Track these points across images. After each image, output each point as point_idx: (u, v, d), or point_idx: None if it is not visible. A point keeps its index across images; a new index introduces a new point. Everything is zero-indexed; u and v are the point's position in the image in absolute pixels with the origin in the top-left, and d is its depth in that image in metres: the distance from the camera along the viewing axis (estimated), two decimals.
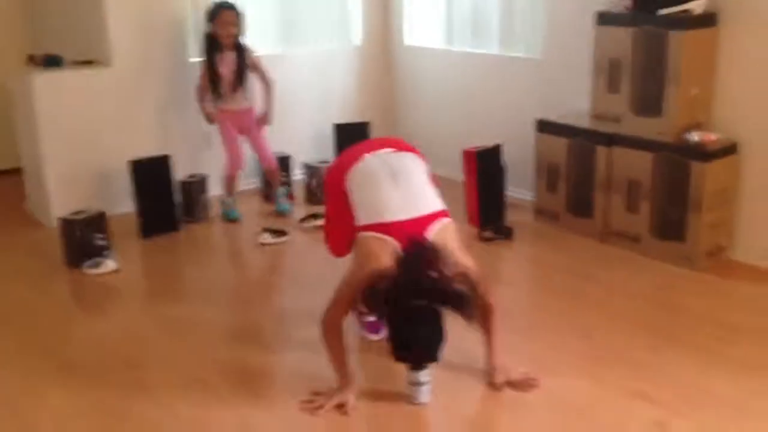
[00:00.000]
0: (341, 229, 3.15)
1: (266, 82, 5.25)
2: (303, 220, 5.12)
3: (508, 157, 5.04)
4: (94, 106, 5.17)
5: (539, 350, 3.42)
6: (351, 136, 5.67)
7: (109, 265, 4.40)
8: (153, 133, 5.37)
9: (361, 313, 3.49)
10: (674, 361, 3.27)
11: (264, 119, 5.29)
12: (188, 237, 5.02)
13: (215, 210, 5.32)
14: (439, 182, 3.19)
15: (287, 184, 5.55)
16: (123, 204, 5.11)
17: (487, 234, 4.75)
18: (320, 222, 4.91)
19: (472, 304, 2.74)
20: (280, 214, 5.28)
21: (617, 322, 3.64)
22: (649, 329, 3.59)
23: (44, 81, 4.99)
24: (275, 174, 5.37)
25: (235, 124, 5.18)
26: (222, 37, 4.98)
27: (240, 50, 5.07)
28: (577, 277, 4.23)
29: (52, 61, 5.16)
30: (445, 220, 2.92)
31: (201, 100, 5.18)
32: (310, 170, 5.57)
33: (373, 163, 3.06)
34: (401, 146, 3.24)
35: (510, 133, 5.29)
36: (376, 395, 3.05)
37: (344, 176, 3.07)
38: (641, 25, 4.20)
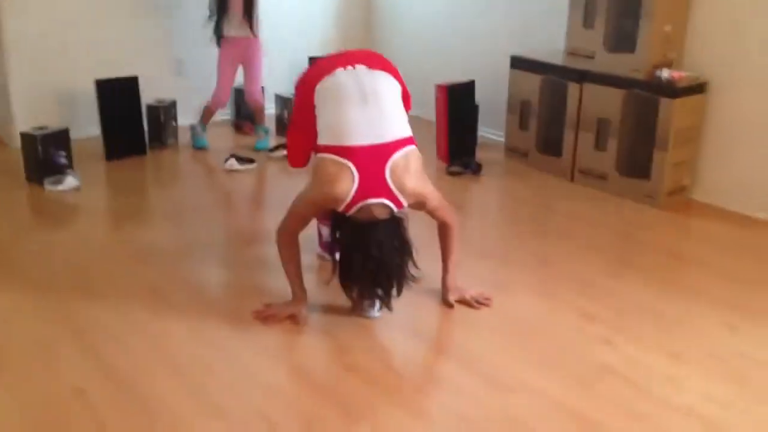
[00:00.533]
0: (301, 141, 3.10)
1: None
2: (272, 150, 5.07)
3: (482, 96, 5.01)
4: (63, 24, 5.06)
5: (494, 273, 3.44)
6: None
7: (71, 182, 4.35)
8: (123, 54, 5.26)
9: (321, 234, 3.48)
10: (625, 285, 3.32)
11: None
12: (154, 161, 4.96)
13: (186, 137, 5.25)
14: (409, 102, 3.12)
15: None
16: (89, 127, 5.04)
17: (455, 168, 4.73)
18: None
19: (405, 278, 2.78)
20: (258, 150, 5.16)
21: (574, 250, 3.67)
22: (604, 256, 3.63)
23: None
24: (260, 112, 5.26)
25: (236, 54, 5.04)
26: None
27: None
28: (541, 209, 4.25)
29: None
30: (409, 148, 2.83)
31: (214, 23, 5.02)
32: (283, 101, 5.50)
33: (344, 79, 2.92)
34: (378, 62, 3.07)
35: (485, 70, 5.25)
36: (330, 309, 3.05)
37: (313, 88, 2.97)
38: None
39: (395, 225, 2.79)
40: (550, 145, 4.71)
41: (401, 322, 2.97)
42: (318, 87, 2.95)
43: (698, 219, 4.11)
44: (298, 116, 3.13)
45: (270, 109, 5.69)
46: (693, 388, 2.57)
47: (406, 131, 2.88)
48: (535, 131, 4.78)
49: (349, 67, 2.94)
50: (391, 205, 2.76)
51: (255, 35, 5.02)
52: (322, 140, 2.85)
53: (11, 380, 2.55)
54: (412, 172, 2.81)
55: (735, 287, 3.31)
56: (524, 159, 4.87)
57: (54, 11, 5.01)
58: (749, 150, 4.07)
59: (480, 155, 4.92)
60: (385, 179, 2.74)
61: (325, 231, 3.36)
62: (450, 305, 3.08)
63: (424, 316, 3.07)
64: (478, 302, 3.09)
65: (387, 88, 2.94)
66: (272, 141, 5.27)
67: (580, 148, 4.52)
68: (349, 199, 2.72)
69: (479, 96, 5.04)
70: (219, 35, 4.98)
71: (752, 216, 4.08)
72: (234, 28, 4.96)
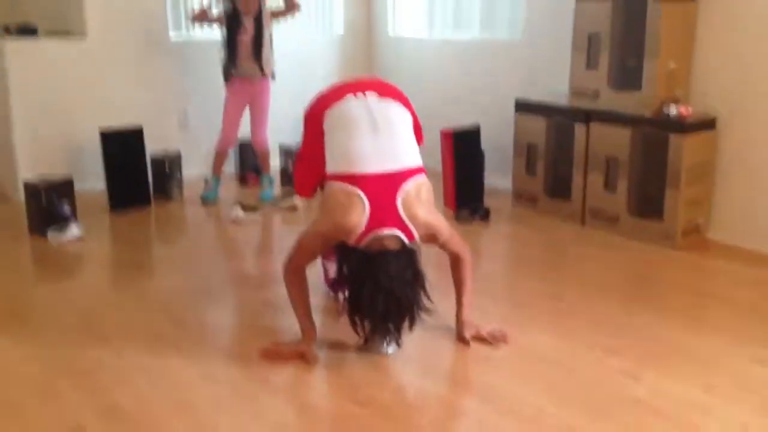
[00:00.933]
0: (311, 168, 3.02)
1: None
2: (277, 200, 5.02)
3: (487, 142, 4.98)
4: (68, 76, 5.08)
5: (507, 313, 3.33)
6: None
7: (73, 231, 4.28)
8: (127, 107, 5.26)
9: (327, 271, 3.39)
10: (646, 322, 3.21)
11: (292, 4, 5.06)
12: (158, 212, 4.90)
13: (191, 189, 5.20)
14: (421, 133, 3.09)
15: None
16: (93, 180, 5.01)
17: (463, 215, 4.66)
18: (295, 201, 4.87)
19: (418, 311, 2.68)
20: (263, 201, 5.07)
21: (589, 291, 3.55)
22: (622, 295, 3.53)
23: (17, 48, 4.91)
24: (265, 156, 5.19)
25: (243, 94, 4.99)
26: (243, 12, 4.82)
27: (259, 22, 4.86)
28: (552, 253, 4.17)
29: (26, 31, 5.08)
30: (420, 178, 2.77)
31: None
32: (288, 153, 5.48)
33: (354, 106, 2.86)
34: (389, 91, 3.03)
35: (490, 117, 5.24)
36: (339, 346, 2.94)
37: (323, 114, 2.91)
38: None
39: (407, 255, 2.69)
40: (559, 188, 4.66)
41: (414, 358, 2.86)
42: (327, 113, 2.90)
43: (716, 258, 4.01)
44: (308, 142, 3.06)
45: (275, 162, 5.66)
46: (727, 419, 2.45)
47: (417, 161, 2.82)
48: (542, 175, 4.74)
49: (360, 95, 2.89)
50: (403, 236, 2.68)
51: (265, 75, 4.97)
52: (330, 168, 2.79)
53: (11, 421, 2.44)
54: (423, 203, 2.74)
55: (761, 324, 3.18)
56: (533, 204, 4.81)
57: (58, 62, 5.04)
58: (764, 186, 4.01)
59: (487, 202, 4.86)
60: (396, 209, 2.66)
61: (331, 267, 3.27)
62: (466, 342, 2.95)
63: (438, 352, 2.96)
64: (494, 338, 2.97)
65: (398, 116, 2.89)
66: (277, 191, 5.22)
67: (590, 189, 4.46)
68: (360, 230, 2.64)
69: (484, 142, 5.01)
70: (227, 74, 4.95)
71: None
72: (242, 67, 4.93)
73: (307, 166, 3.08)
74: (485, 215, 4.65)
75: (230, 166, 5.69)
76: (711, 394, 2.60)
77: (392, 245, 2.67)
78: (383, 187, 2.67)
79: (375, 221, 2.64)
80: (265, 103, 5.05)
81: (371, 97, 2.90)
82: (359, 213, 2.63)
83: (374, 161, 2.71)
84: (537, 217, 4.71)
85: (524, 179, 4.86)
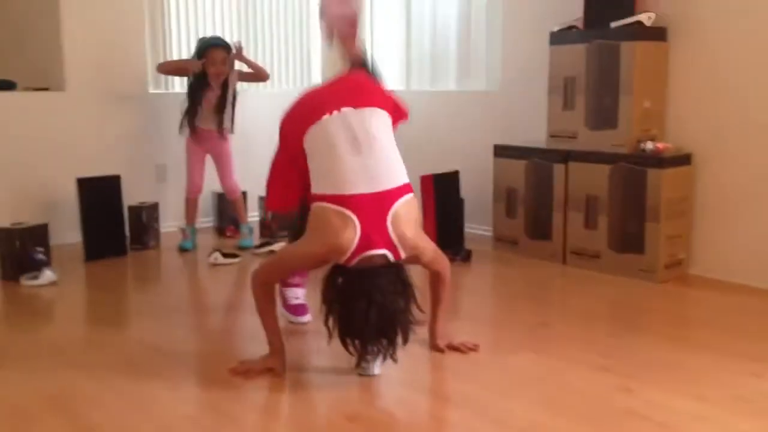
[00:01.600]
0: (286, 182, 3.01)
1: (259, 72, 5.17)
2: (257, 247, 4.97)
3: (466, 188, 5.01)
4: (45, 128, 5.05)
5: (498, 335, 3.32)
6: None
7: (48, 276, 4.17)
8: (105, 159, 5.22)
9: (285, 297, 3.42)
10: (633, 342, 3.18)
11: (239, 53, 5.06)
12: (135, 261, 4.81)
13: (168, 239, 5.13)
14: (401, 111, 3.07)
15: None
16: (68, 232, 4.92)
17: (445, 256, 4.62)
18: (273, 247, 4.82)
19: (410, 323, 2.66)
20: (243, 249, 5.02)
21: (574, 317, 3.54)
22: (607, 321, 3.53)
23: None
24: (238, 204, 5.19)
25: (204, 145, 5.04)
26: (211, 77, 4.91)
27: (224, 89, 4.97)
28: (536, 287, 4.14)
29: (4, 85, 5.08)
30: (408, 197, 2.76)
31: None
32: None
33: (333, 128, 2.80)
34: (363, 96, 2.94)
35: (470, 164, 5.27)
36: (318, 368, 2.88)
37: (302, 137, 2.87)
38: (593, 40, 4.29)
39: (396, 268, 2.67)
40: (539, 229, 4.67)
41: (396, 374, 2.80)
42: (306, 137, 2.86)
43: (698, 289, 4.00)
44: (283, 157, 3.03)
45: (254, 216, 5.62)
46: (726, 426, 2.40)
47: (404, 177, 2.80)
48: (523, 217, 4.75)
49: (335, 113, 2.83)
50: (391, 256, 2.66)
51: (224, 131, 5.01)
52: (318, 189, 2.75)
53: None
54: (411, 222, 2.73)
55: (750, 342, 3.17)
56: (514, 247, 4.80)
57: (36, 114, 5.02)
58: (742, 221, 4.04)
59: (468, 246, 4.85)
60: (386, 229, 2.65)
61: (290, 293, 3.40)
62: (441, 350, 3.02)
63: (418, 367, 2.93)
64: (466, 347, 3.02)
65: (378, 127, 2.84)
66: (256, 240, 5.17)
67: (570, 228, 4.47)
68: (351, 250, 2.61)
69: (464, 189, 5.04)
70: (191, 126, 4.99)
71: (753, 286, 3.98)
72: (204, 120, 4.99)
73: (281, 179, 3.05)
74: (467, 256, 4.63)
75: (209, 220, 5.67)
76: (706, 404, 2.55)
77: (380, 261, 2.64)
78: (373, 208, 2.65)
79: (365, 242, 2.62)
80: (226, 152, 5.10)
81: (347, 111, 2.84)
82: (351, 234, 2.61)
83: (362, 181, 2.68)
84: (518, 257, 4.69)
85: (504, 222, 4.87)
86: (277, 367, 2.82)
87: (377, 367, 2.78)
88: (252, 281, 2.84)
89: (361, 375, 2.77)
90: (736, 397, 2.61)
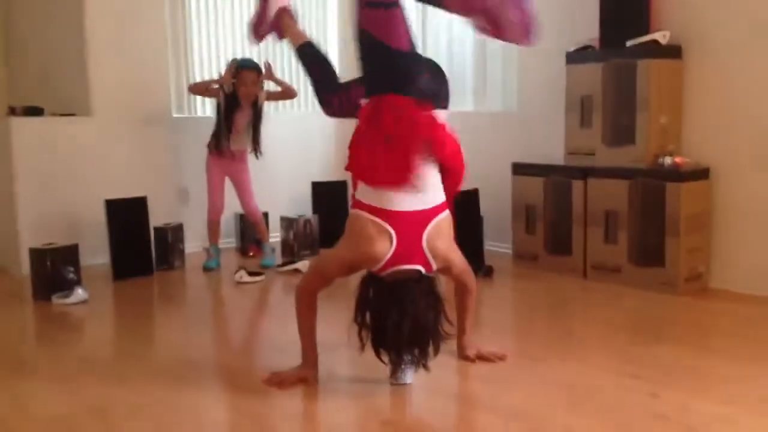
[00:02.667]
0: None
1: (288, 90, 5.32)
2: (280, 265, 5.05)
3: (485, 208, 5.08)
4: (71, 153, 5.17)
5: (524, 344, 3.39)
6: (329, 194, 5.77)
7: (79, 294, 4.26)
8: (130, 182, 5.32)
9: None
10: (657, 351, 3.24)
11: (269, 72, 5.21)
12: (162, 280, 4.89)
13: (193, 260, 5.22)
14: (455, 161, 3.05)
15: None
16: (96, 254, 5.02)
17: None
18: (297, 266, 4.91)
19: (441, 334, 2.72)
20: (265, 268, 5.10)
21: (598, 328, 3.60)
22: (630, 331, 3.59)
23: (22, 125, 5.01)
24: (259, 225, 5.30)
25: (224, 167, 5.16)
26: (242, 97, 5.05)
27: (256, 109, 5.12)
28: (558, 299, 4.22)
29: (32, 111, 5.20)
30: (443, 214, 2.82)
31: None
32: (289, 223, 5.55)
33: None
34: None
35: (489, 183, 5.34)
36: (358, 378, 2.94)
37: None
38: (610, 59, 4.39)
39: (428, 281, 2.75)
40: (559, 245, 4.73)
41: (428, 383, 2.85)
42: None
43: (718, 302, 4.05)
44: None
45: (275, 237, 5.71)
46: (751, 428, 2.45)
47: (442, 196, 2.85)
48: (542, 233, 4.82)
49: None
50: (423, 270, 2.74)
51: (248, 153, 5.17)
52: (363, 197, 2.79)
53: None
54: (445, 237, 2.81)
55: None
56: (534, 263, 4.87)
57: (62, 138, 5.15)
58: (759, 234, 4.10)
59: (488, 263, 4.91)
60: (421, 246, 2.73)
61: None
62: (471, 359, 3.09)
63: (449, 375, 2.99)
64: (495, 356, 3.10)
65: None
66: (279, 259, 5.26)
67: (590, 243, 4.54)
68: (383, 262, 2.69)
69: (484, 207, 5.11)
70: (218, 146, 5.11)
71: None
72: (234, 143, 5.12)
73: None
74: (488, 272, 4.69)
75: (232, 240, 5.76)
76: (734, 408, 2.60)
77: (413, 274, 2.73)
78: (412, 225, 2.73)
79: (399, 256, 2.70)
80: (246, 175, 5.23)
81: None
82: (386, 246, 2.69)
83: (406, 199, 2.73)
84: (539, 273, 4.75)
85: (524, 238, 4.93)
86: (310, 378, 2.88)
87: (410, 376, 2.84)
88: (296, 294, 2.91)
89: (393, 384, 2.83)
90: (761, 399, 2.66)
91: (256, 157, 5.22)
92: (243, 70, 5.06)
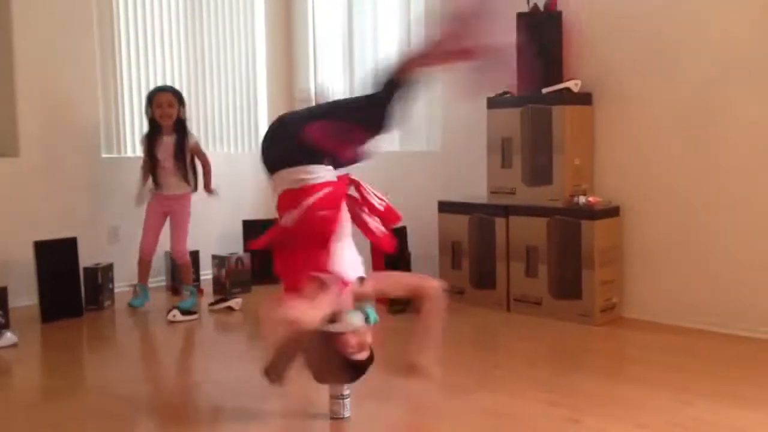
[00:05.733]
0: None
1: (206, 165, 5.35)
2: (212, 304, 5.11)
3: (413, 244, 5.28)
4: (0, 195, 5.13)
5: (450, 377, 3.50)
6: (260, 232, 5.82)
7: (9, 338, 4.22)
8: (59, 222, 5.29)
9: None
10: (576, 380, 3.48)
11: (209, 189, 5.34)
12: (91, 321, 4.88)
13: (122, 300, 5.22)
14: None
15: (196, 280, 5.52)
16: (23, 295, 4.96)
17: (396, 308, 4.87)
18: (229, 303, 4.99)
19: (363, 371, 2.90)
20: (182, 310, 4.95)
21: (522, 359, 3.83)
22: (551, 362, 3.84)
23: None
24: (185, 269, 5.28)
25: (162, 208, 5.18)
26: (159, 118, 5.08)
27: (180, 134, 5.13)
28: (483, 333, 4.44)
29: None
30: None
31: (141, 179, 5.22)
32: (220, 261, 5.62)
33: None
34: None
35: (415, 222, 5.53)
36: (296, 414, 3.05)
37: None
38: (527, 104, 4.69)
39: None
40: (484, 279, 4.97)
41: (365, 416, 3.00)
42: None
43: (633, 330, 4.35)
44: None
45: (207, 275, 5.76)
46: None
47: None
48: (468, 269, 5.05)
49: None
50: None
51: (184, 192, 5.18)
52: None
53: None
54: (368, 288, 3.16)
55: (681, 376, 3.49)
56: (460, 296, 5.08)
57: None
58: (666, 267, 4.43)
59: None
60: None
61: None
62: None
63: (388, 408, 3.13)
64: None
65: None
66: (210, 298, 5.30)
67: (513, 277, 4.79)
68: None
69: (411, 243, 5.31)
70: (155, 183, 5.14)
71: (682, 326, 4.33)
72: (164, 185, 5.14)
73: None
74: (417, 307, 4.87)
75: (162, 279, 5.77)
76: (647, 431, 2.83)
77: None
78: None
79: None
80: (184, 216, 5.23)
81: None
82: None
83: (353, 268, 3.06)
84: (465, 306, 4.96)
85: (450, 273, 5.14)
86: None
87: (348, 409, 2.98)
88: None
89: (332, 419, 2.97)
90: (671, 423, 2.91)
91: (194, 189, 5.24)
92: (156, 93, 5.14)
